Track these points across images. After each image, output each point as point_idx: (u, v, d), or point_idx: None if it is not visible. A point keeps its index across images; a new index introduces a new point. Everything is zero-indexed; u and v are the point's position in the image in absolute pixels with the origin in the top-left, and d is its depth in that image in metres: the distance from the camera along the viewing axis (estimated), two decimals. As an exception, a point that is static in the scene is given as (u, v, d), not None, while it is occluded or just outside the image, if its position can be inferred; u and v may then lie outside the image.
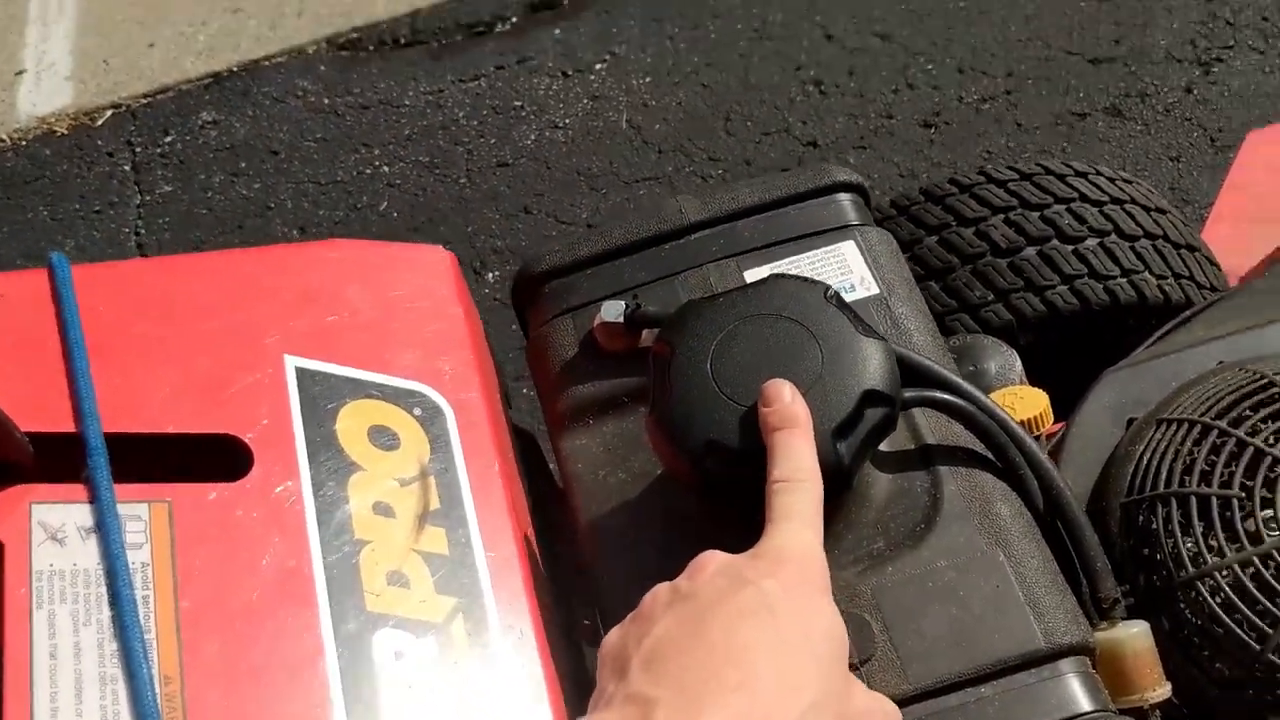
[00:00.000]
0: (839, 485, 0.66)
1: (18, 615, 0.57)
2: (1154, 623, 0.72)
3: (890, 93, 2.20)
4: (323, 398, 0.73)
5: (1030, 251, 1.23)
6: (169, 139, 2.47)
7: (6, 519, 0.60)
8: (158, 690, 0.57)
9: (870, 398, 0.66)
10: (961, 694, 0.67)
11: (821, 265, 0.84)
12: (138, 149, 2.47)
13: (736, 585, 0.54)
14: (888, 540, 0.73)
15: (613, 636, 0.57)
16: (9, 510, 0.60)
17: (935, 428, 0.77)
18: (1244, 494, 0.74)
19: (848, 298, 0.82)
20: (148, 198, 2.38)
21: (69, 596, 0.59)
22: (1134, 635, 0.69)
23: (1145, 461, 0.79)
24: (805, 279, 0.70)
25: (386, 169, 2.31)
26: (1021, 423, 0.90)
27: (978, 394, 0.76)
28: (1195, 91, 2.13)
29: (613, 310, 0.80)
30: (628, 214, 2.12)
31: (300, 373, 0.73)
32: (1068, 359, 1.12)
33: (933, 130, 2.12)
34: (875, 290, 0.83)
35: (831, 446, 0.64)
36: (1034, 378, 1.03)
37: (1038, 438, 0.93)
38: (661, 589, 0.57)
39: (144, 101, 2.55)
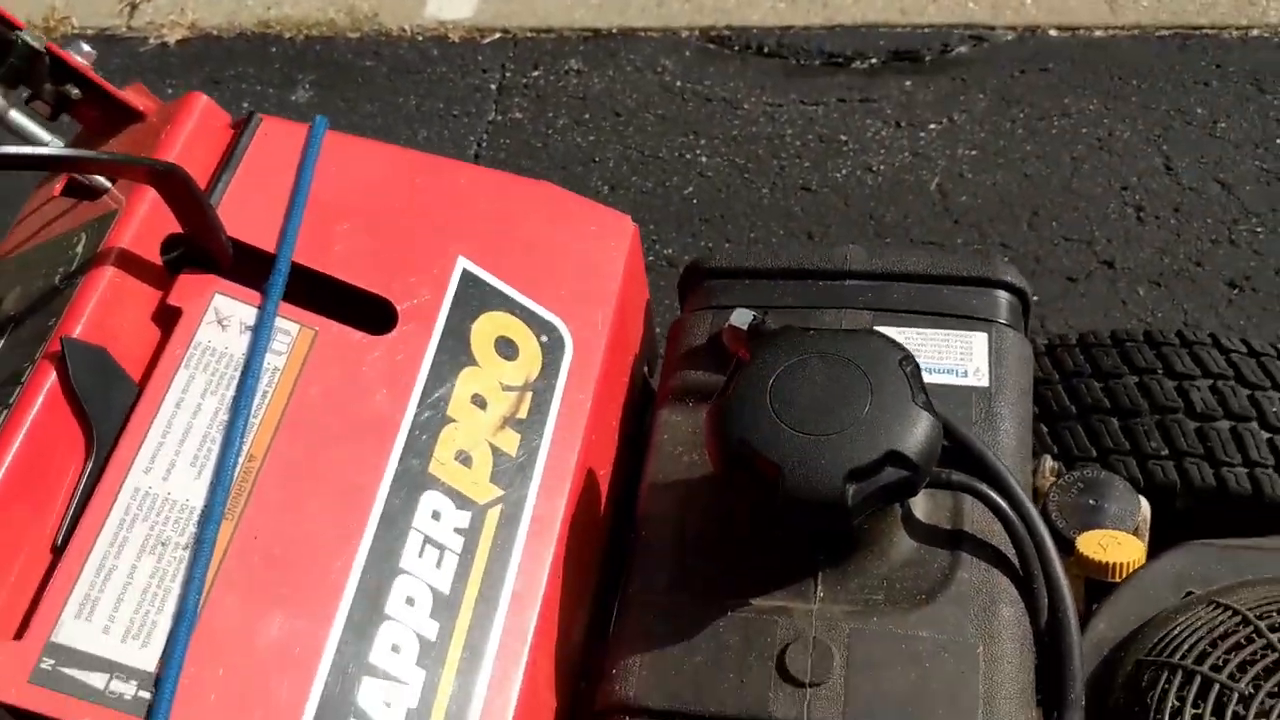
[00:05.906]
0: (835, 523, 0.72)
1: (167, 367, 0.73)
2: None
3: (1209, 242, 2.13)
4: (474, 298, 0.86)
5: (1224, 425, 1.22)
6: (536, 73, 2.72)
7: (195, 296, 0.77)
8: (240, 460, 0.72)
9: (894, 458, 0.71)
10: None
11: (945, 345, 0.89)
12: (508, 74, 2.73)
13: None
14: (888, 596, 0.78)
15: None
16: (200, 291, 0.77)
17: (977, 519, 0.81)
18: (1251, 690, 0.74)
19: (955, 381, 0.88)
20: (500, 118, 2.64)
21: (210, 368, 0.74)
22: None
23: (1177, 631, 0.81)
24: (893, 342, 0.77)
25: (704, 159, 2.46)
26: (1101, 564, 0.93)
27: (1026, 503, 0.79)
28: None
29: (742, 318, 0.89)
30: (803, 243, 2.17)
31: (465, 273, 0.86)
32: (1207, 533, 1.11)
33: (1236, 291, 2.04)
34: (984, 383, 0.87)
35: (841, 484, 0.70)
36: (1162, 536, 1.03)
37: (1110, 581, 0.94)
38: None
39: (529, 35, 2.82)
